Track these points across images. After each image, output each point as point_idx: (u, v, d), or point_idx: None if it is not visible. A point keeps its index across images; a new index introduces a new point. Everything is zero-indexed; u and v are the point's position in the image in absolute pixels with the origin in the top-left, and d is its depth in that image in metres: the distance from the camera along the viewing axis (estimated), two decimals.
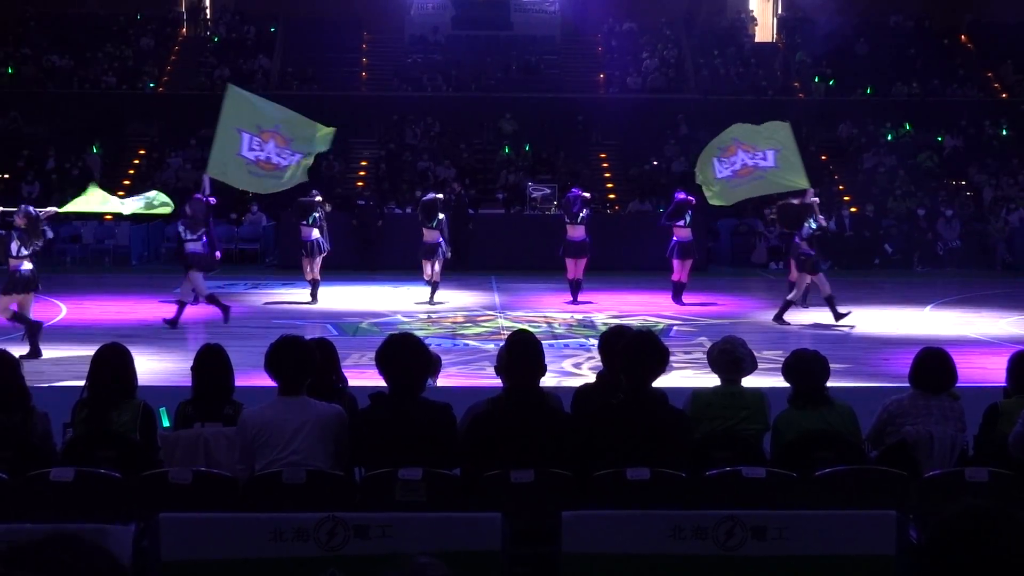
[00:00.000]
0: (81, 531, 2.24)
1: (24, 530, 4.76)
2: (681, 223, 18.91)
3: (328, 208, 24.87)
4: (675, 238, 18.93)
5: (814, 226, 17.10)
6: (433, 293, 19.21)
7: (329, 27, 34.95)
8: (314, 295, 19.34)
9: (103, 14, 35.55)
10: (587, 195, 19.86)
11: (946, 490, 5.74)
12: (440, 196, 19.91)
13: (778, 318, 17.23)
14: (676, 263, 18.88)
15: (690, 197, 19.27)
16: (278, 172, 16.20)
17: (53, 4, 35.00)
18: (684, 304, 18.92)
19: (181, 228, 16.80)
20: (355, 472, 6.04)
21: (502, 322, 17.51)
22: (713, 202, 18.56)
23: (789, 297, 17.36)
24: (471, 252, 24.31)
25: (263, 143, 16.02)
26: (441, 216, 19.21)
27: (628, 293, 20.65)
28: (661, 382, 6.07)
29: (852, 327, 16.82)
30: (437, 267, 19.07)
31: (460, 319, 17.77)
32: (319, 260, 19.24)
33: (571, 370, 13.44)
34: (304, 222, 19.17)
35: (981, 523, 2.53)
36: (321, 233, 19.21)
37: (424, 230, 19.14)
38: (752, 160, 17.30)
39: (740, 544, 4.93)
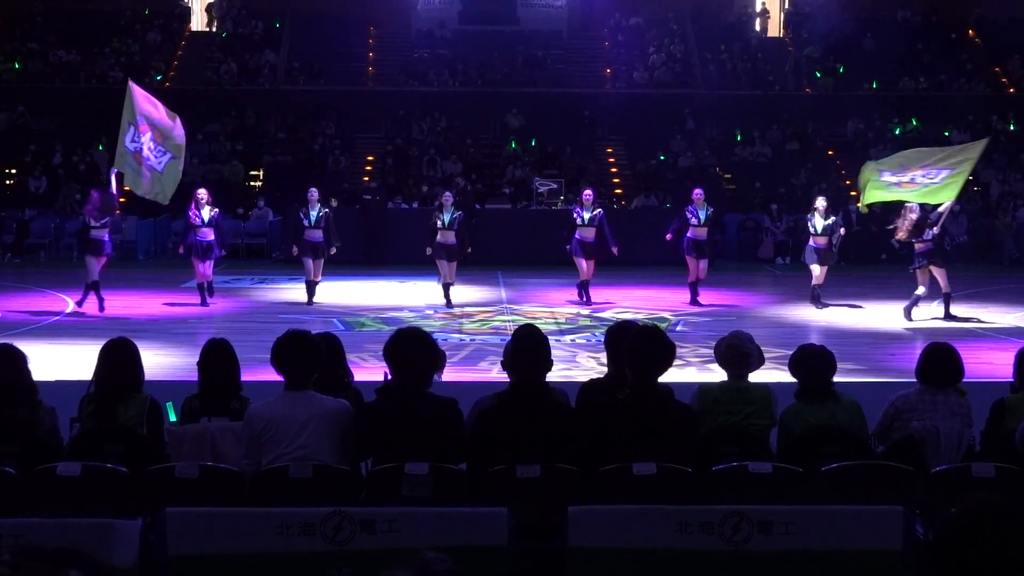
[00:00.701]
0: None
1: (31, 525, 4.77)
2: (695, 222, 18.56)
3: (334, 204, 24.87)
4: (689, 234, 18.59)
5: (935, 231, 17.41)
6: (447, 294, 18.49)
7: (335, 22, 34.94)
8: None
9: (110, 9, 35.53)
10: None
11: (953, 485, 5.74)
12: (449, 194, 19.18)
13: (947, 315, 17.35)
14: (688, 261, 18.57)
15: (697, 190, 18.96)
16: (141, 170, 16.91)
17: None
18: (700, 305, 18.51)
19: (89, 218, 17.66)
20: (361, 467, 6.04)
21: (507, 317, 17.51)
22: (866, 201, 18.39)
23: (944, 291, 17.42)
24: (477, 247, 24.30)
25: (140, 134, 16.95)
26: (454, 214, 18.33)
27: (635, 288, 20.63)
28: (668, 376, 6.07)
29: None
30: (447, 267, 18.25)
31: (466, 314, 17.77)
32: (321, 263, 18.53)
33: (592, 365, 13.44)
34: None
35: (991, 519, 2.53)
36: (325, 234, 18.30)
37: (439, 231, 18.24)
38: (923, 177, 17.39)
39: (746, 539, 4.93)
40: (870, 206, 19.58)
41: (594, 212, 18.58)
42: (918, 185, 17.25)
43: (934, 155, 17.81)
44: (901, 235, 17.41)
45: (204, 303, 18.07)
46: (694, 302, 18.62)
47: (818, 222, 18.22)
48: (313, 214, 18.24)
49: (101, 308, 17.44)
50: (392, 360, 5.81)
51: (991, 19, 35.90)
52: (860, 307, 18.48)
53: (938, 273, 17.23)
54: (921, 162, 17.50)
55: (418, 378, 5.80)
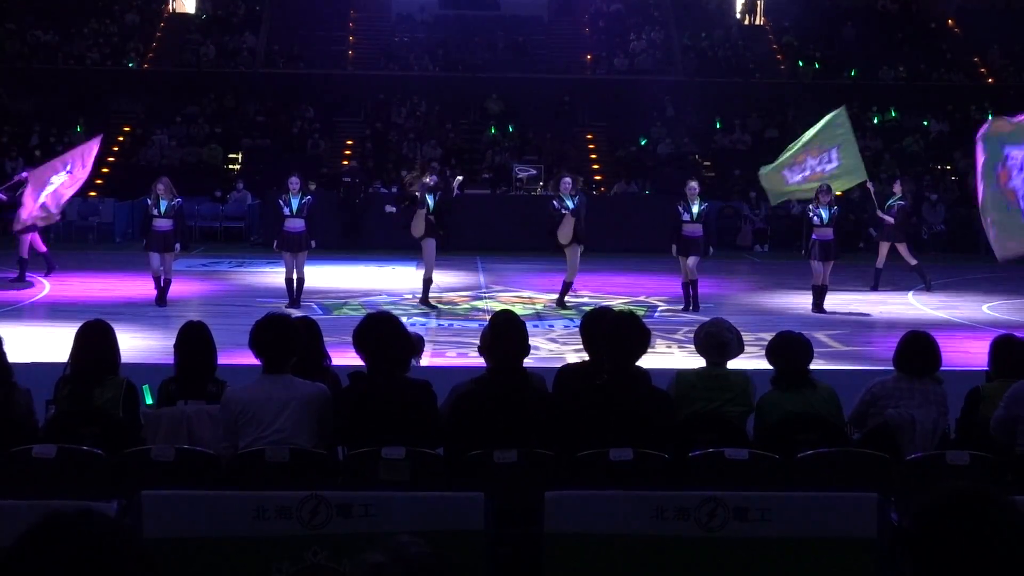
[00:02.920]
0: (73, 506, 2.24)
1: (6, 507, 4.75)
2: (687, 217, 16.70)
3: (313, 187, 24.68)
4: (681, 231, 16.78)
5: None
6: (426, 291, 17.01)
7: (315, 5, 34.80)
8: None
9: None
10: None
11: (927, 473, 5.77)
12: (428, 181, 17.24)
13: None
14: (681, 261, 16.81)
15: (691, 184, 17.14)
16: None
17: None
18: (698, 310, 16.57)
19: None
20: (338, 451, 6.04)
21: (487, 302, 17.50)
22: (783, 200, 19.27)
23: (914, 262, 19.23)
24: (456, 232, 24.24)
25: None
26: (437, 197, 16.84)
27: (614, 275, 20.63)
28: (647, 363, 6.08)
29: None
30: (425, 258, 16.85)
31: (445, 299, 17.75)
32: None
33: (570, 350, 13.44)
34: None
35: (966, 506, 2.53)
36: (308, 224, 16.62)
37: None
38: (819, 165, 17.58)
39: (722, 525, 4.94)
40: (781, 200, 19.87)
41: (576, 199, 16.91)
42: (823, 174, 17.54)
43: (803, 141, 18.00)
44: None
45: (159, 300, 16.53)
46: (692, 306, 16.78)
47: (822, 211, 16.86)
48: (295, 201, 16.54)
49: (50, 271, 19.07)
50: (362, 345, 5.80)
51: (970, 9, 36.00)
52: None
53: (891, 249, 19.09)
54: (802, 152, 17.76)
55: (390, 363, 5.79)
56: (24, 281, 18.35)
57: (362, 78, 33.16)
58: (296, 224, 16.51)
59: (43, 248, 18.71)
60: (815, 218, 17.04)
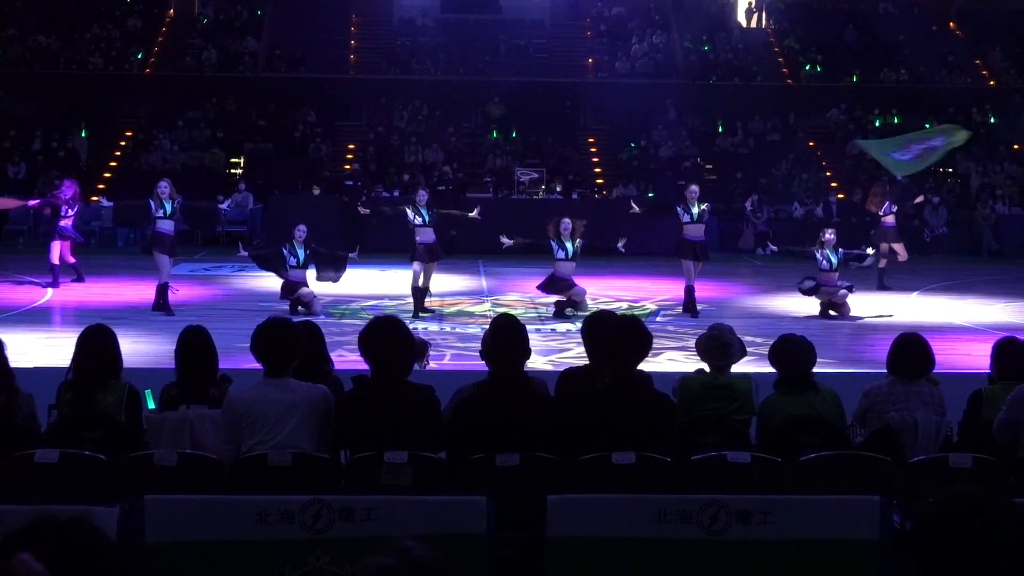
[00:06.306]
0: (66, 512, 2.26)
1: (8, 512, 4.75)
2: (687, 219, 16.56)
3: (316, 192, 24.72)
4: (682, 235, 16.69)
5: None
6: (423, 299, 16.69)
7: (317, 9, 34.83)
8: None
9: None
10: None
11: (930, 475, 5.76)
12: (423, 192, 17.28)
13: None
14: (684, 264, 16.59)
15: (692, 188, 17.04)
16: None
17: None
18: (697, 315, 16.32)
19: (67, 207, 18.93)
20: (341, 455, 6.04)
21: (489, 306, 17.50)
22: (900, 172, 19.88)
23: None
24: (459, 236, 24.23)
25: None
26: (432, 210, 16.60)
27: (615, 277, 20.62)
28: (647, 366, 6.08)
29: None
30: (417, 268, 16.38)
31: (447, 303, 17.74)
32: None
33: (571, 354, 13.42)
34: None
35: (971, 510, 2.54)
36: (318, 268, 16.83)
37: (417, 229, 16.41)
38: (925, 144, 19.08)
39: (725, 528, 4.94)
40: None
41: (576, 245, 16.42)
42: (932, 149, 18.26)
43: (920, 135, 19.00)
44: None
45: (162, 306, 16.24)
46: (690, 310, 16.58)
47: (830, 255, 16.61)
48: (300, 252, 16.51)
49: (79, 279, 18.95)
50: (367, 349, 5.80)
51: (973, 11, 36.01)
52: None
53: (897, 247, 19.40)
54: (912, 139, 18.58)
55: (394, 367, 5.79)
56: (57, 285, 18.54)
57: (364, 82, 33.18)
58: (301, 274, 16.57)
59: (71, 259, 18.88)
60: (824, 262, 16.60)
